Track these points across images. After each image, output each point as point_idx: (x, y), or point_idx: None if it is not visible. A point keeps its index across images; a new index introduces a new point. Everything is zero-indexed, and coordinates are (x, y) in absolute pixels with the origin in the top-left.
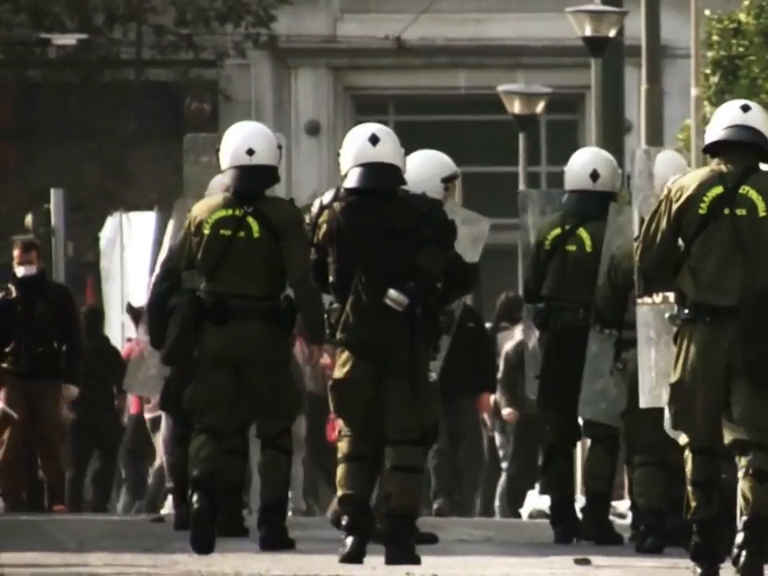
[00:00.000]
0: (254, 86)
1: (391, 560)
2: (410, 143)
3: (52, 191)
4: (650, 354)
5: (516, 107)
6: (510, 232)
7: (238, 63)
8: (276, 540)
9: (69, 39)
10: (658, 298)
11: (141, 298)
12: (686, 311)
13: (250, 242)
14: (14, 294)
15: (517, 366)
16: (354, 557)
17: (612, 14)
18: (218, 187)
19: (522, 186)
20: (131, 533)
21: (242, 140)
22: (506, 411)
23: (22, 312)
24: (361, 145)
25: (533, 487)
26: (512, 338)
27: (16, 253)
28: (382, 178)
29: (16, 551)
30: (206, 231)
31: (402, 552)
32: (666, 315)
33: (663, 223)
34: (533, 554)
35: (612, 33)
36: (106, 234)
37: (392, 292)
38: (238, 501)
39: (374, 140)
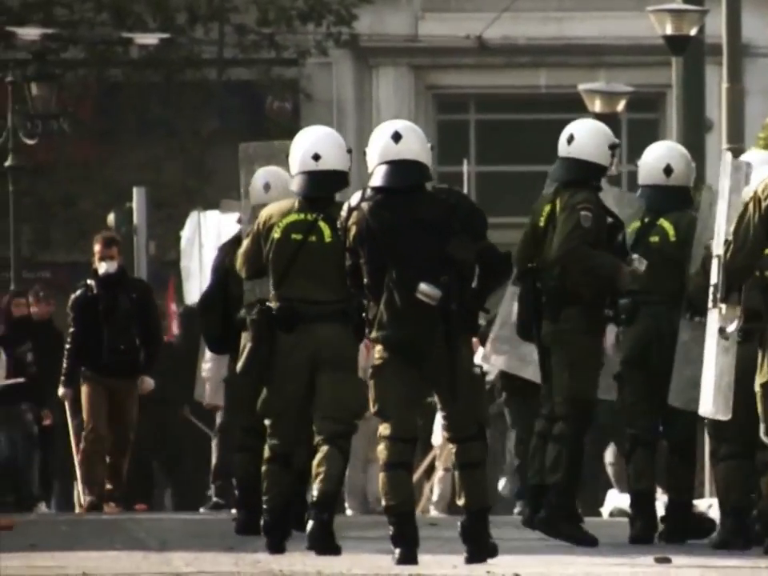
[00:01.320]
0: (336, 85)
1: (471, 558)
2: (491, 142)
3: (134, 190)
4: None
5: (597, 106)
6: None
7: (320, 62)
8: (322, 537)
9: (151, 38)
10: (725, 311)
11: None
12: None
13: (322, 246)
14: (95, 291)
15: None
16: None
17: (693, 12)
18: (258, 190)
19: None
20: (213, 531)
21: (308, 145)
22: None
23: (105, 309)
24: (384, 142)
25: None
26: None
27: (97, 248)
28: (405, 176)
29: (98, 550)
30: (276, 235)
31: (480, 548)
32: (722, 327)
33: (755, 220)
34: (614, 552)
35: (693, 31)
36: (186, 232)
37: (423, 286)
38: (303, 505)
39: (396, 137)
